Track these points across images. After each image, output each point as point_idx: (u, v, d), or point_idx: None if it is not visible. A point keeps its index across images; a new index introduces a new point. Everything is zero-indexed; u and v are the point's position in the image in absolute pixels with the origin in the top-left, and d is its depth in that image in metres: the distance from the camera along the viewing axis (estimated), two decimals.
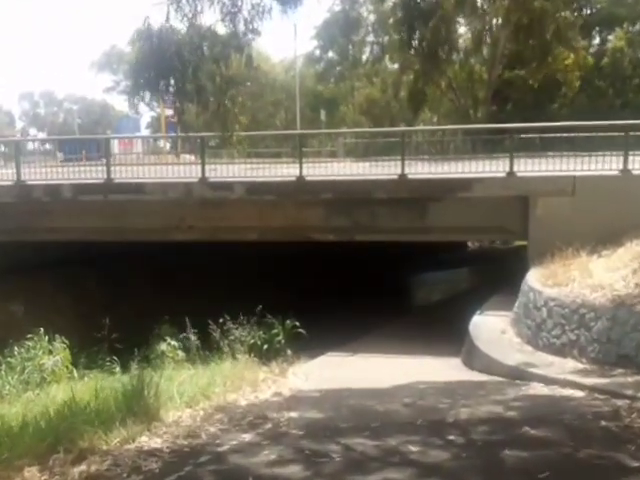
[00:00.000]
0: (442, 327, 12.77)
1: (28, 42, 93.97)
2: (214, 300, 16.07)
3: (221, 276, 16.30)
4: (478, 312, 10.75)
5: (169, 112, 32.68)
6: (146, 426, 4.70)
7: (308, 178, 11.87)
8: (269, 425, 4.82)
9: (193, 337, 9.39)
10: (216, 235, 12.48)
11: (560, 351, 7.38)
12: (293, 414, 5.15)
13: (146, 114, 41.97)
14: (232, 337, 9.82)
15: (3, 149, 19.05)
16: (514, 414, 4.83)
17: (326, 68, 35.66)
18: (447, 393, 5.89)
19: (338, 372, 8.57)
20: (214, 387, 6.14)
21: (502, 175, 11.74)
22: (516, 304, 9.86)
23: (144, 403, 5.08)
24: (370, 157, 15.22)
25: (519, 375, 6.81)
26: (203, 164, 12.03)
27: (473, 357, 8.42)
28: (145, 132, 40.61)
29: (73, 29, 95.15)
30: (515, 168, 11.73)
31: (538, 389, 6.07)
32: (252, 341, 10.54)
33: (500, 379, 6.98)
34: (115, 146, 28.03)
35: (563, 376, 6.27)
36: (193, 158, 18.90)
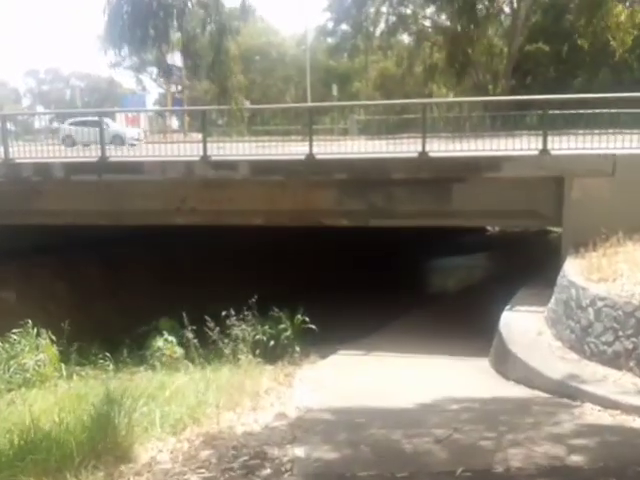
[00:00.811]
0: (464, 320, 11.67)
1: (32, 17, 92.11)
2: (219, 288, 15.09)
3: (226, 262, 15.27)
4: (507, 307, 9.61)
5: (176, 88, 31.53)
6: (110, 471, 3.69)
7: (319, 156, 10.71)
8: (268, 470, 3.78)
9: (191, 335, 8.37)
10: (220, 219, 11.40)
11: (613, 362, 6.25)
12: (299, 451, 4.10)
13: (154, 91, 40.73)
14: (234, 333, 8.80)
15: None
16: (582, 460, 3.74)
17: (339, 41, 34.01)
18: (487, 420, 4.81)
19: (352, 379, 7.50)
20: (206, 406, 5.11)
21: (534, 153, 10.48)
22: (552, 300, 8.70)
23: (112, 435, 4.05)
24: (385, 135, 13.97)
25: (568, 392, 5.71)
26: (205, 141, 10.90)
27: (507, 363, 7.31)
28: (153, 108, 39.32)
29: (78, 2, 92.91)
30: (549, 146, 10.51)
31: (597, 415, 4.98)
32: (257, 336, 9.53)
33: (544, 395, 5.89)
34: (122, 122, 26.93)
35: (625, 399, 5.16)
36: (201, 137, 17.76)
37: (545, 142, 10.46)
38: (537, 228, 18.03)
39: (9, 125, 17.69)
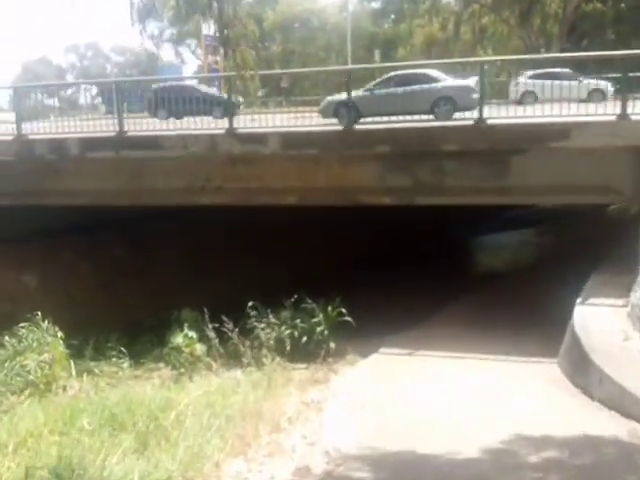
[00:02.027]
0: (519, 308, 10.11)
1: None
2: (250, 271, 13.98)
3: (258, 243, 14.06)
4: (579, 299, 8.05)
5: (213, 59, 30.13)
6: None
7: (357, 127, 9.23)
8: None
9: (212, 334, 7.22)
10: (249, 198, 10.13)
11: None
12: None
13: (193, 63, 39.55)
14: (260, 332, 7.62)
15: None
16: None
17: (383, 6, 31.75)
18: None
19: (397, 395, 6.11)
20: (209, 447, 3.90)
21: (611, 119, 8.71)
22: (637, 293, 7.11)
23: None
24: None
25: None
26: (231, 114, 9.57)
27: (589, 377, 5.81)
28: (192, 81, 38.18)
29: None
30: (628, 110, 8.70)
31: None
32: (287, 331, 8.31)
33: None
34: None
35: None
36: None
37: (624, 106, 8.66)
38: (610, 205, 16.03)
39: (53, 101, 16.76)
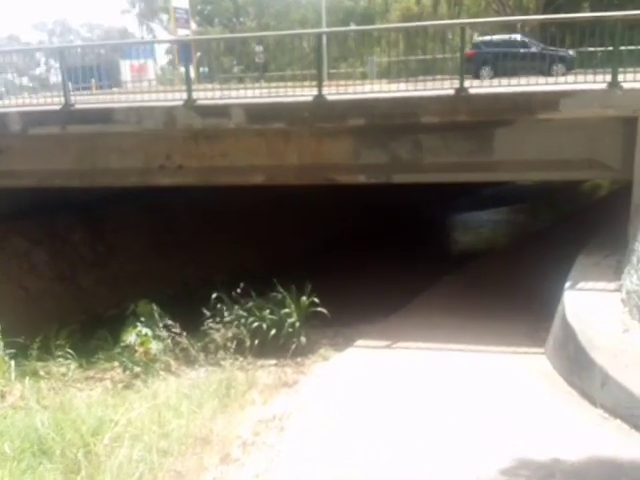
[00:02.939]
0: (503, 290, 9.41)
1: None
2: (218, 256, 13.04)
3: (226, 225, 13.11)
4: (568, 284, 7.34)
5: (184, 32, 28.41)
6: None
7: (330, 97, 8.28)
8: None
9: (164, 333, 6.34)
10: (213, 178, 9.17)
11: None
12: None
13: (163, 37, 37.68)
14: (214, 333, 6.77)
15: None
16: None
17: None
18: None
19: (375, 406, 5.23)
20: None
21: (601, 87, 7.92)
22: (634, 278, 6.40)
23: None
24: (413, 78, 11.20)
25: None
26: (189, 81, 8.54)
27: (589, 379, 5.07)
28: (165, 58, 36.37)
29: None
30: (619, 78, 7.91)
31: None
32: (255, 324, 7.47)
33: None
34: (127, 73, 24.18)
35: None
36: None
37: (615, 73, 7.88)
38: (598, 180, 15.41)
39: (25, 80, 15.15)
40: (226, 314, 7.45)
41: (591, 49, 8.39)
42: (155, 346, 6.74)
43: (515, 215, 17.64)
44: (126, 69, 24.62)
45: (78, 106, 8.75)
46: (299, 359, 7.23)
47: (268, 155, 8.87)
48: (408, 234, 13.74)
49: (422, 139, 8.60)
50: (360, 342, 7.55)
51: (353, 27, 18.62)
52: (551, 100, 7.87)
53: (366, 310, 9.00)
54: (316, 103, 8.18)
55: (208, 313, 7.20)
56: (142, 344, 6.75)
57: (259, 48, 20.90)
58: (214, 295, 7.66)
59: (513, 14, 31.78)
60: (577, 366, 5.35)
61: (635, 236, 7.52)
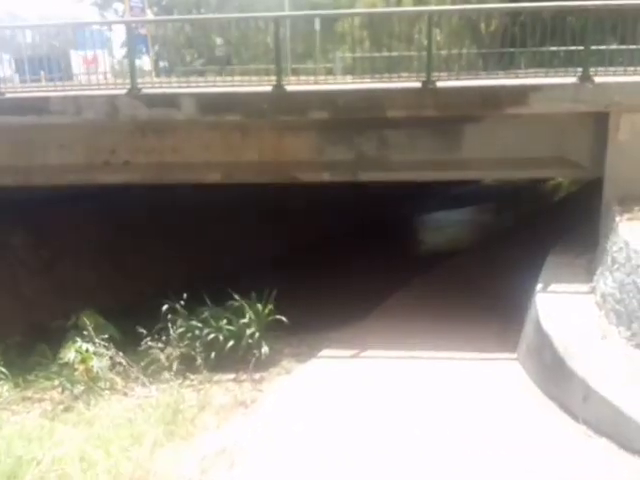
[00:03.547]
0: (472, 295, 9.17)
1: None
2: (174, 260, 12.40)
3: (183, 225, 12.45)
4: (539, 286, 7.08)
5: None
6: None
7: (291, 88, 7.81)
8: None
9: (105, 349, 5.74)
10: (163, 175, 8.55)
11: None
12: None
13: (121, 30, 36.32)
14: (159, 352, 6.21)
15: None
16: None
17: None
18: None
19: (336, 428, 4.83)
20: None
21: (572, 81, 7.71)
22: (608, 281, 6.15)
23: None
24: (377, 75, 10.79)
25: None
26: (132, 67, 7.91)
27: (568, 389, 4.77)
28: (121, 51, 35.05)
29: None
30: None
31: None
32: (211, 336, 6.94)
33: None
34: (79, 64, 22.96)
35: None
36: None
37: (586, 67, 7.68)
38: (567, 179, 15.38)
39: None
40: (175, 328, 6.86)
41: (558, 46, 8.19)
42: (97, 363, 6.11)
43: (482, 215, 17.57)
44: (78, 60, 23.45)
45: (8, 95, 7.99)
46: (259, 373, 6.74)
47: (224, 151, 8.32)
48: (377, 235, 13.40)
49: (388, 135, 8.22)
50: (325, 352, 7.11)
51: (314, 11, 18.18)
52: (520, 94, 7.62)
53: (334, 315, 8.59)
54: (275, 94, 7.68)
55: (157, 326, 6.60)
56: (82, 361, 6.11)
57: (220, 41, 20.12)
58: (165, 306, 7.09)
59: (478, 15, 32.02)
60: (555, 376, 5.04)
61: (607, 235, 7.33)
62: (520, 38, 8.50)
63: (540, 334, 5.72)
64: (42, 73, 17.92)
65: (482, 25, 29.81)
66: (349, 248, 12.06)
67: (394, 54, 10.44)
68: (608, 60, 7.98)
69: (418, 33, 12.69)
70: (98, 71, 21.18)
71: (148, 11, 29.05)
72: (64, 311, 9.53)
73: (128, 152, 8.42)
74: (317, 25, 27.86)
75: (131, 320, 7.11)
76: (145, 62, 18.99)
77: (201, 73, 15.34)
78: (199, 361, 6.23)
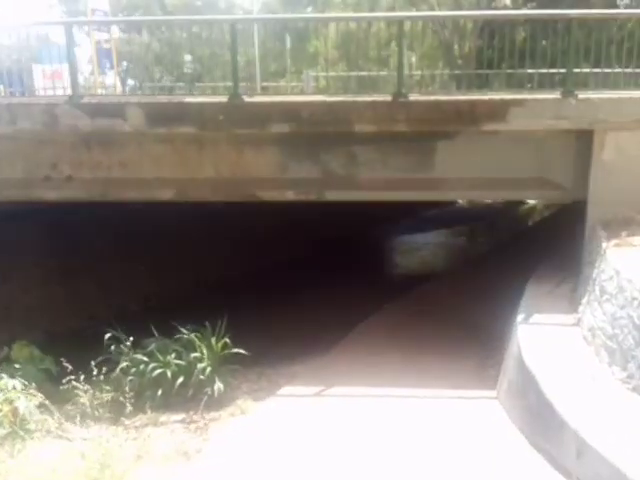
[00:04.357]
0: (448, 325, 8.59)
1: None
2: (129, 286, 11.58)
3: (136, 247, 11.64)
4: (520, 316, 6.53)
5: (103, 36, 26.76)
6: None
7: (247, 99, 7.21)
8: None
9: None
10: (110, 192, 7.82)
11: None
12: None
13: (86, 43, 35.60)
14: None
15: None
16: None
17: None
18: None
19: None
20: None
21: (554, 96, 7.31)
22: (597, 312, 5.64)
23: None
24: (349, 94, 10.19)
25: None
26: (73, 71, 7.23)
27: (558, 441, 4.17)
28: (88, 67, 34.24)
29: None
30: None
31: None
32: (157, 372, 6.19)
33: None
34: (39, 77, 22.14)
35: None
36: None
37: (568, 81, 7.30)
38: (547, 201, 15.04)
39: None
40: (120, 360, 6.12)
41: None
42: (24, 403, 5.29)
43: (456, 238, 17.15)
44: (38, 74, 22.58)
45: None
46: (213, 412, 6.01)
47: (178, 166, 7.66)
48: (345, 259, 12.79)
49: (357, 151, 7.67)
50: (286, 389, 6.41)
51: (279, 15, 17.79)
52: (498, 109, 7.17)
53: (298, 346, 7.95)
54: (232, 104, 7.08)
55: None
56: (8, 402, 5.28)
57: (188, 57, 19.64)
58: (107, 336, 6.35)
59: (452, 36, 32.24)
60: (542, 424, 4.44)
61: (592, 262, 6.86)
62: (496, 59, 8.14)
63: (523, 372, 5.14)
64: (1, 87, 16.95)
65: (456, 47, 29.81)
66: (314, 272, 11.40)
67: (367, 74, 10.04)
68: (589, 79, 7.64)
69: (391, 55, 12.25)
70: (60, 85, 20.24)
71: (114, 27, 28.52)
72: (6, 338, 8.67)
73: (71, 166, 7.69)
74: (288, 43, 27.50)
75: (76, 349, 6.35)
76: (110, 78, 18.26)
77: (170, 90, 14.74)
78: (126, 405, 5.49)
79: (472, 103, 7.18)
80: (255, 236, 12.88)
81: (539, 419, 4.50)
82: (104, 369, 6.30)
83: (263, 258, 12.65)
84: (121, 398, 5.92)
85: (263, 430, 5.39)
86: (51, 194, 7.78)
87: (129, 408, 6.04)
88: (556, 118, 7.24)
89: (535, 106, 7.21)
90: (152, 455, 4.70)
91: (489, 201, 23.25)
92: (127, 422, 5.77)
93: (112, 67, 21.23)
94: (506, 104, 7.17)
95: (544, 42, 8.54)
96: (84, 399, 5.84)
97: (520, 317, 6.55)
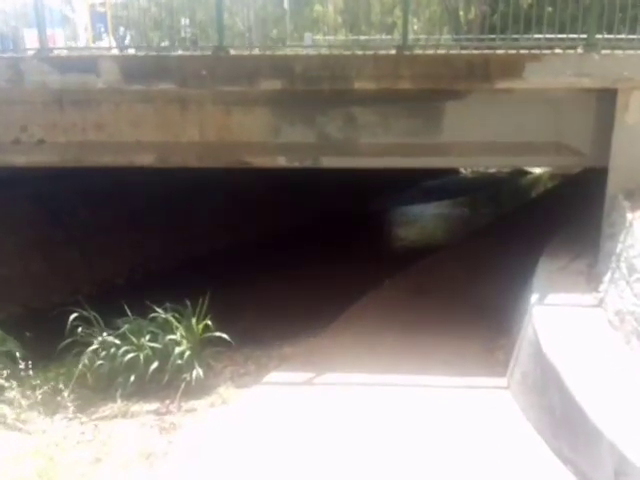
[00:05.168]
0: (452, 303, 7.76)
1: None
2: (113, 258, 10.78)
3: (122, 217, 10.78)
4: (534, 296, 5.71)
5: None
6: None
7: (233, 52, 6.26)
8: None
9: None
10: (85, 156, 6.93)
11: None
12: None
13: (83, 11, 34.23)
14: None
15: None
16: None
17: None
18: None
19: None
20: None
21: (576, 51, 6.33)
22: (625, 293, 4.82)
23: None
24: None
25: None
26: (41, 22, 6.27)
27: (588, 454, 3.39)
28: (85, 35, 32.81)
29: None
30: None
31: None
32: (128, 356, 5.44)
33: None
34: (32, 43, 20.99)
35: None
36: None
37: (592, 33, 6.31)
38: (563, 169, 13.99)
39: None
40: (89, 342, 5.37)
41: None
42: None
43: (460, 209, 16.20)
44: (32, 39, 21.38)
45: None
46: (191, 401, 5.28)
47: (159, 128, 6.76)
48: (345, 230, 11.92)
49: (357, 113, 6.74)
50: (273, 375, 5.65)
51: None
52: (514, 64, 6.21)
53: (291, 324, 7.19)
54: (215, 57, 6.13)
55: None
56: None
57: (186, 21, 18.41)
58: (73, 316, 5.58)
59: (456, 1, 30.64)
60: (568, 430, 3.66)
61: (614, 236, 6.01)
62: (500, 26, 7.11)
63: (542, 363, 4.35)
64: None
65: (461, 13, 28.23)
66: (309, 246, 10.55)
67: (370, 37, 8.95)
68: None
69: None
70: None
71: None
72: None
73: (43, 129, 6.80)
74: (286, 4, 25.87)
75: (56, 326, 5.62)
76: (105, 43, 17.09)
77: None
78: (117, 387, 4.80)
79: (485, 57, 6.20)
80: (247, 205, 11.99)
81: (564, 423, 3.72)
82: (74, 351, 5.62)
83: (257, 229, 11.79)
84: (88, 385, 5.23)
85: (244, 425, 4.66)
86: (21, 159, 6.91)
87: (100, 395, 5.38)
88: (577, 75, 6.28)
89: (554, 61, 6.23)
90: (112, 457, 3.97)
91: (493, 171, 22.22)
92: (95, 412, 5.08)
93: (107, 31, 19.86)
94: (523, 59, 6.20)
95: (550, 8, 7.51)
96: (47, 386, 5.14)
97: (534, 297, 5.73)
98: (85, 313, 5.67)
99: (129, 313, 5.75)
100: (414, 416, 4.70)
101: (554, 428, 3.85)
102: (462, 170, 20.91)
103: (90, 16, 22.53)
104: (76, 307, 5.73)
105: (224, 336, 5.53)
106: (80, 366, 5.54)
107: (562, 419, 3.75)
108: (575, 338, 4.55)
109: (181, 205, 11.20)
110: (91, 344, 5.61)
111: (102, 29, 19.63)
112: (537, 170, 22.60)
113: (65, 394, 5.28)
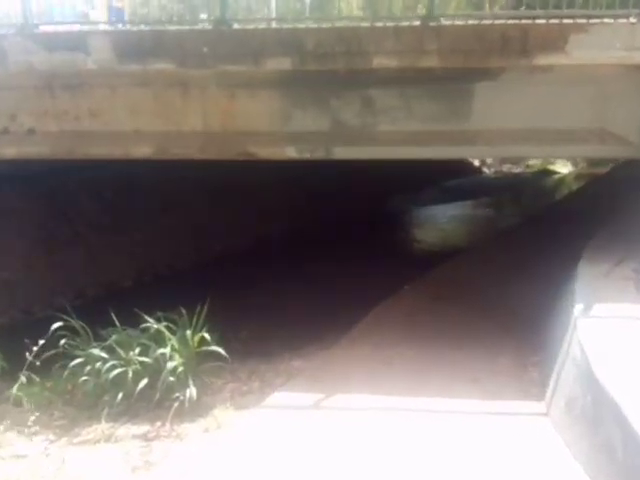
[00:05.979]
0: (481, 314, 6.68)
1: None
2: (121, 258, 10.04)
3: (131, 214, 10.06)
4: (578, 308, 4.71)
5: None
6: None
7: (237, 26, 5.44)
8: None
9: None
10: (79, 147, 6.20)
11: None
12: None
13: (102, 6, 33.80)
14: None
15: None
16: None
17: None
18: None
19: None
20: None
21: (628, 21, 5.35)
22: None
23: None
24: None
25: None
26: None
27: None
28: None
29: None
30: None
31: None
32: (114, 372, 4.65)
33: None
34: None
35: None
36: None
37: None
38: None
39: None
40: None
41: None
42: None
43: (483, 210, 15.11)
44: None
45: None
46: (184, 424, 4.45)
47: (159, 116, 5.99)
48: (362, 231, 11.00)
49: (375, 96, 5.86)
50: (277, 396, 4.78)
51: None
52: (556, 36, 5.27)
53: (303, 333, 6.32)
54: (217, 32, 5.31)
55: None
56: None
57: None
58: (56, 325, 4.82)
59: None
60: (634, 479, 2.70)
61: None
62: None
63: (593, 389, 3.41)
64: None
65: None
66: (322, 248, 9.66)
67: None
68: None
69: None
70: None
71: None
72: None
73: (33, 117, 6.09)
74: None
75: (54, 334, 4.87)
76: None
77: None
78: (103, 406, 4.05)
79: (523, 28, 5.26)
80: (260, 203, 11.14)
81: (628, 469, 2.78)
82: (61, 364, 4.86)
83: (269, 229, 10.95)
84: (72, 404, 4.46)
85: (239, 457, 3.80)
86: (10, 150, 6.20)
87: (86, 414, 4.61)
88: (628, 49, 5.30)
89: (603, 33, 5.27)
90: None
91: (517, 170, 21.05)
92: (79, 434, 4.31)
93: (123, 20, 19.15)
94: (566, 30, 5.25)
95: None
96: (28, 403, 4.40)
97: (578, 307, 4.74)
98: (73, 322, 4.90)
99: (117, 322, 4.95)
100: (439, 452, 3.79)
101: (614, 475, 2.91)
102: (485, 170, 19.81)
103: (108, 12, 21.89)
104: (77, 311, 5.03)
105: (220, 351, 4.68)
106: (63, 382, 4.81)
107: (626, 466, 2.80)
108: (633, 358, 3.59)
109: (198, 204, 10.43)
110: (77, 357, 4.85)
111: (120, 27, 18.84)
112: (563, 170, 21.38)
113: (51, 412, 4.58)
